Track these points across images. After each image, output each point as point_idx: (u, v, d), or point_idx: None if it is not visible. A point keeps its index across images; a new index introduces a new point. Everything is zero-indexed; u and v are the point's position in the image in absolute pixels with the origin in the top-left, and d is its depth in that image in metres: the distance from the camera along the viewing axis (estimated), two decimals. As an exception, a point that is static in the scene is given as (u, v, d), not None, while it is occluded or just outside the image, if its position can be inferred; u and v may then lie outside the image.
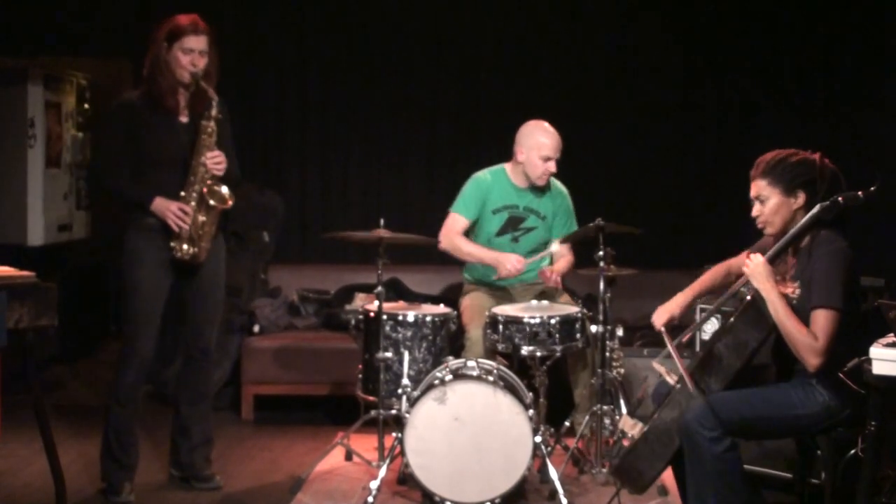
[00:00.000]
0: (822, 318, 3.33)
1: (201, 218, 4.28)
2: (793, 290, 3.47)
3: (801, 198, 3.47)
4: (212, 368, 4.61)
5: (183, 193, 4.27)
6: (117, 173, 4.30)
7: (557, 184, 5.09)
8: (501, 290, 5.05)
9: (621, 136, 6.57)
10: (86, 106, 6.96)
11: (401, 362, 4.58)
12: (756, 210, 3.55)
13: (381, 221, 4.59)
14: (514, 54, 6.58)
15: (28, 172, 6.29)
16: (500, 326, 4.55)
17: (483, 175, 5.08)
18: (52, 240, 6.47)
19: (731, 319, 3.51)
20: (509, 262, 4.80)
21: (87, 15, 6.68)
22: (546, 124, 4.96)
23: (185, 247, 4.26)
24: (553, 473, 4.27)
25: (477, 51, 6.58)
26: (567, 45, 6.56)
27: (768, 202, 3.51)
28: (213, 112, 4.27)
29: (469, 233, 5.04)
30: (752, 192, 3.55)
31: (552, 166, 4.91)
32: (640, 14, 6.53)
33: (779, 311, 3.37)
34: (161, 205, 4.23)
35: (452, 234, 4.98)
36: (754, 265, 3.44)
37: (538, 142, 4.89)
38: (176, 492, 4.48)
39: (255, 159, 6.61)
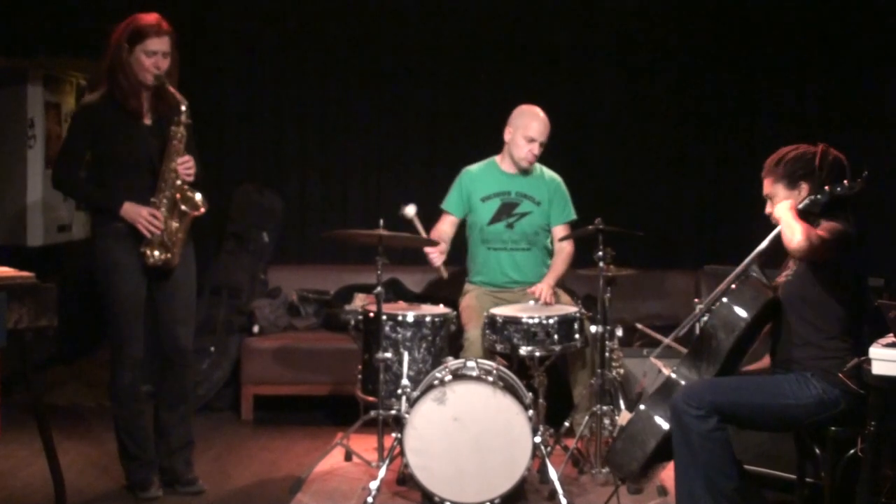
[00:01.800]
0: (823, 222, 3.42)
1: (174, 224, 4.23)
2: (792, 268, 3.56)
3: (804, 190, 3.55)
4: (189, 370, 4.56)
5: (153, 199, 4.21)
6: (75, 179, 4.26)
7: (550, 171, 5.13)
8: (500, 291, 5.05)
9: (621, 136, 6.56)
10: (85, 106, 6.95)
11: (400, 362, 4.58)
12: (768, 208, 3.64)
13: (381, 221, 4.59)
14: (514, 54, 6.56)
15: (28, 172, 6.29)
16: (499, 327, 4.56)
17: (469, 168, 5.17)
18: (51, 240, 6.47)
19: (722, 299, 3.57)
20: (432, 254, 4.93)
21: (87, 15, 6.67)
22: (538, 109, 5.00)
23: (156, 253, 4.21)
24: (553, 474, 4.27)
25: (476, 50, 6.57)
26: (567, 45, 6.55)
27: (776, 199, 3.60)
28: (183, 117, 4.21)
29: (465, 225, 5.14)
30: (764, 192, 3.66)
31: (536, 149, 4.95)
32: (640, 14, 6.52)
33: (785, 214, 3.46)
34: (131, 210, 4.18)
35: (438, 229, 5.12)
36: (779, 204, 3.55)
37: (525, 122, 4.95)
38: (164, 497, 4.42)
39: (255, 159, 6.60)
